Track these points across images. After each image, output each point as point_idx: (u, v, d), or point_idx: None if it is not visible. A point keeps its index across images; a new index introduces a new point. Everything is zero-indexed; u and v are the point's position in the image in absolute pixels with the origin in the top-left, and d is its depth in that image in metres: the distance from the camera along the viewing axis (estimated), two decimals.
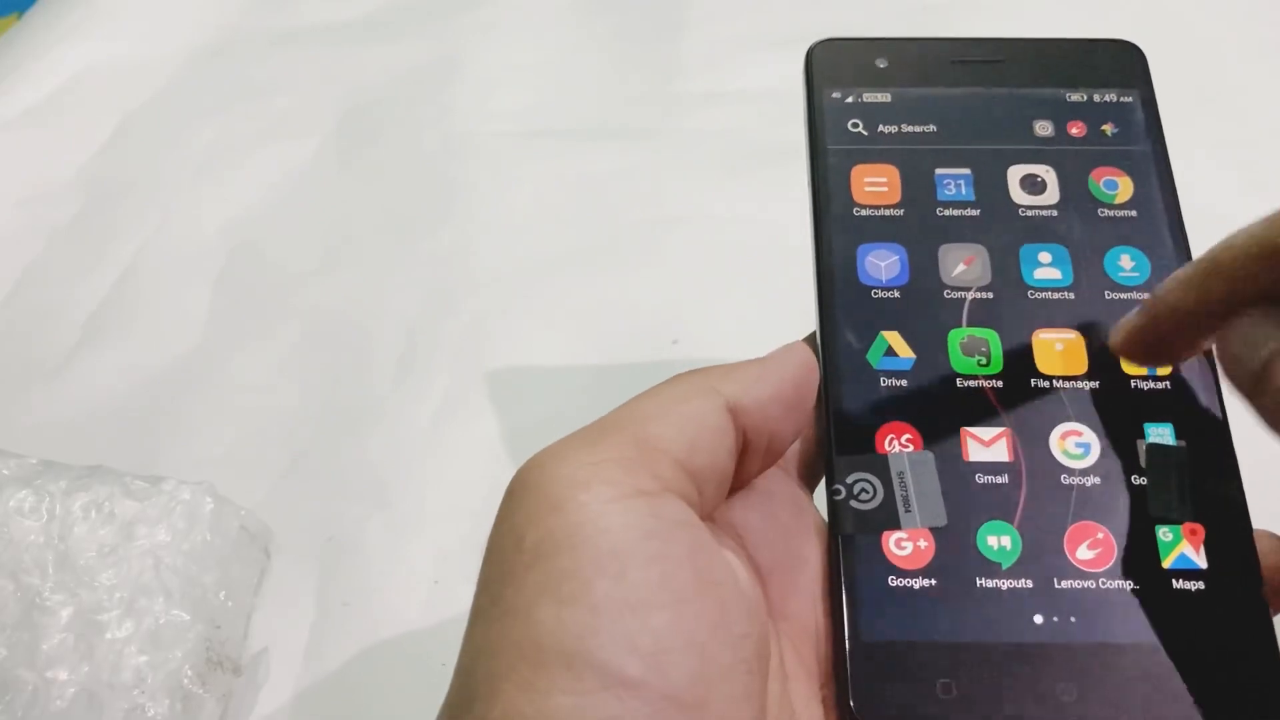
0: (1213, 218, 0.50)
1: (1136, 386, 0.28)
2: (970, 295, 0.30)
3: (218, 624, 0.37)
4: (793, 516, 0.28)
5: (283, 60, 0.63)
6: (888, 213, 0.31)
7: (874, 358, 0.29)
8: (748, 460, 0.27)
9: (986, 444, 0.28)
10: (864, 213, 0.31)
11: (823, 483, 0.28)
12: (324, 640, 0.40)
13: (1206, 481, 0.27)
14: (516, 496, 0.24)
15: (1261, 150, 0.54)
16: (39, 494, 0.37)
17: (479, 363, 0.48)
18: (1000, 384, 0.28)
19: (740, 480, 0.27)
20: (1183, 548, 0.27)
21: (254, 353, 0.49)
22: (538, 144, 0.58)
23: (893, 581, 0.26)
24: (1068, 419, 0.28)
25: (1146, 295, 0.29)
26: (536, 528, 0.23)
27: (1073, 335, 0.29)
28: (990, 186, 0.31)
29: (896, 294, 0.30)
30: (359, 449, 0.45)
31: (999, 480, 0.27)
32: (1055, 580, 0.26)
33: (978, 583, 0.26)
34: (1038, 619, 0.26)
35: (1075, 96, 0.32)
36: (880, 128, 0.32)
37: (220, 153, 0.58)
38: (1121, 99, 0.32)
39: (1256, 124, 0.55)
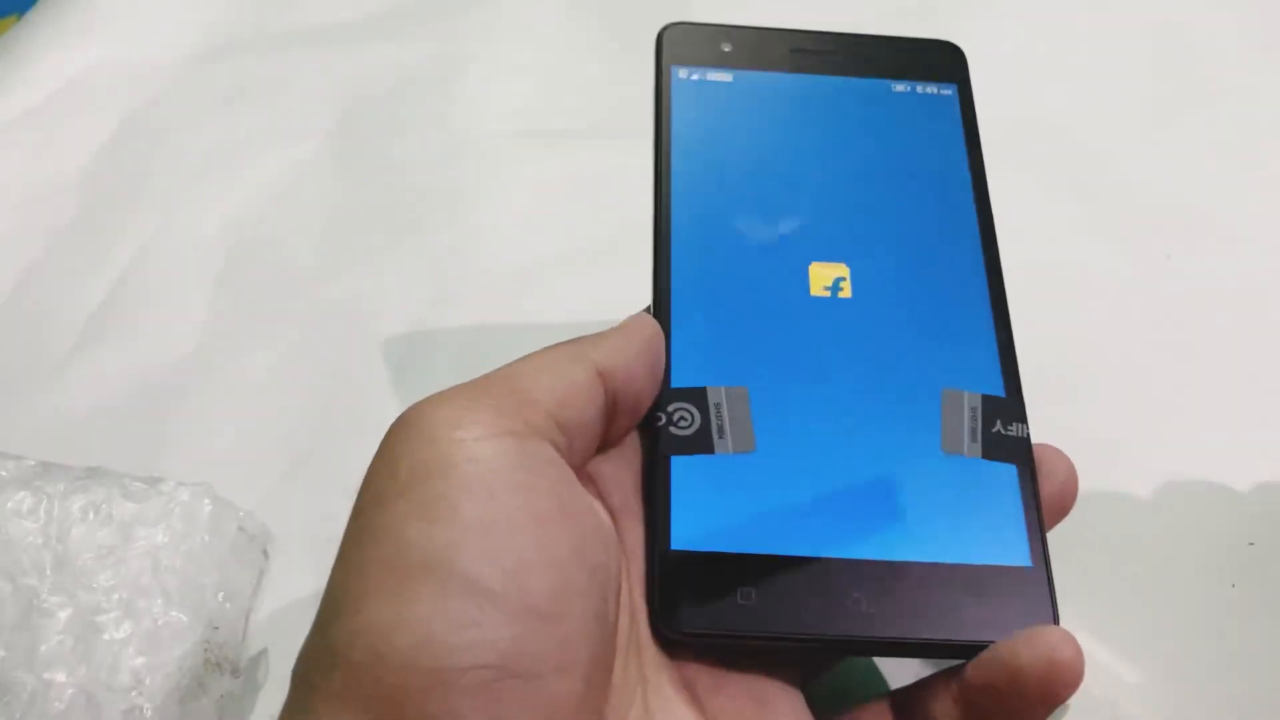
0: (1202, 219, 0.50)
1: (937, 345, 0.31)
2: (800, 252, 0.33)
3: (216, 625, 0.37)
4: (640, 462, 0.30)
5: (283, 61, 0.63)
6: (725, 182, 0.34)
7: (704, 306, 0.32)
8: (618, 420, 0.29)
9: (804, 382, 0.31)
10: (703, 179, 0.34)
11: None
12: None
13: (995, 423, 0.30)
14: (394, 435, 0.26)
15: (1261, 150, 0.54)
16: (37, 495, 0.37)
17: (478, 363, 0.48)
18: (812, 330, 0.31)
19: (611, 439, 0.29)
20: (970, 480, 0.29)
21: (253, 354, 0.49)
22: (538, 144, 0.58)
23: (702, 500, 0.29)
24: (876, 365, 0.31)
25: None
26: (410, 459, 0.25)
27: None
28: (819, 159, 0.34)
29: (728, 250, 0.33)
30: (359, 450, 0.45)
31: (802, 411, 0.30)
32: (851, 504, 0.29)
33: (779, 502, 0.29)
34: (833, 533, 0.28)
35: (900, 87, 0.36)
36: (721, 104, 0.35)
37: (220, 153, 0.58)
38: (942, 91, 0.36)
39: (1251, 124, 0.55)
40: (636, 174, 0.56)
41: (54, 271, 0.53)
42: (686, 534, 0.28)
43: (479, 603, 0.22)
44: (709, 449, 0.29)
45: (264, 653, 0.39)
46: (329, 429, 0.46)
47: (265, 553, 0.41)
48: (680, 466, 0.29)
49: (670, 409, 0.30)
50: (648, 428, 0.30)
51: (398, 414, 0.47)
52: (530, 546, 0.24)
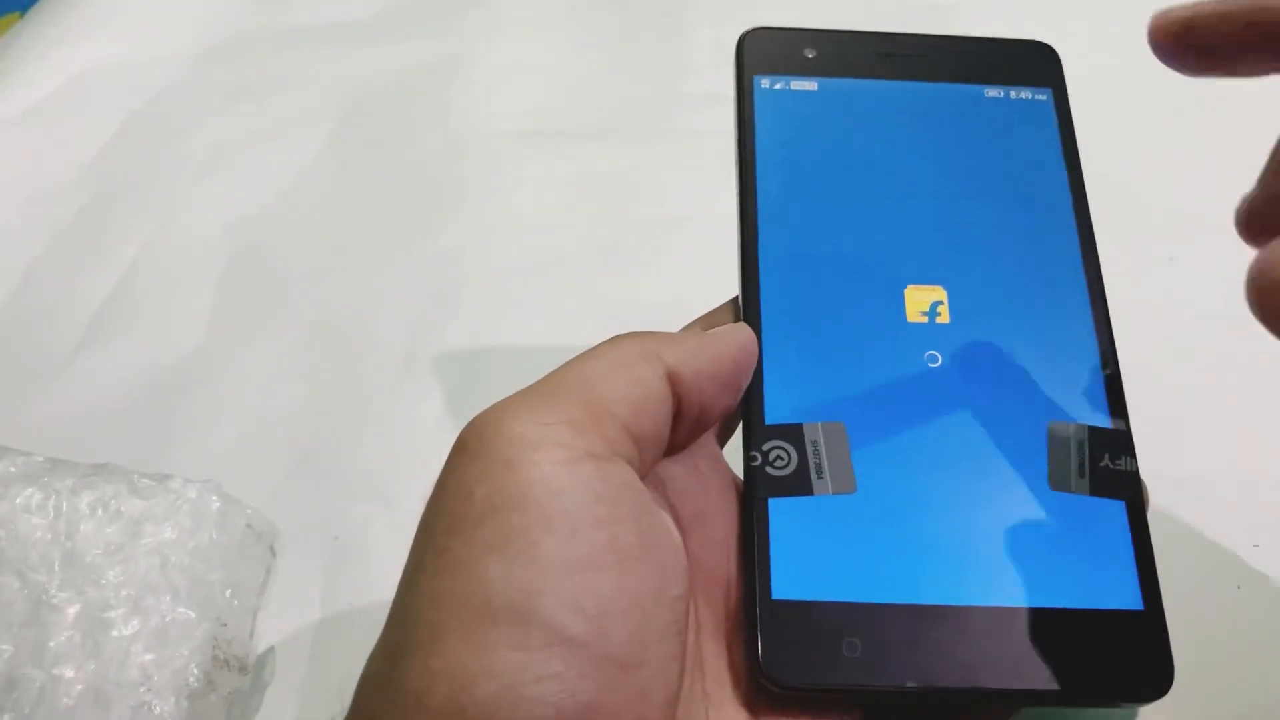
0: (1205, 222, 0.50)
1: (1040, 373, 0.30)
2: (894, 273, 0.31)
3: (224, 622, 0.37)
4: (711, 470, 0.29)
5: (285, 60, 0.63)
6: (814, 200, 0.32)
7: (797, 334, 0.30)
8: (677, 428, 0.27)
9: (903, 415, 0.29)
10: (790, 195, 0.32)
11: (737, 438, 0.30)
12: (329, 640, 0.40)
13: (1103, 458, 0.29)
14: (468, 452, 0.24)
15: (1263, 152, 0.54)
16: (46, 491, 0.37)
17: (482, 362, 0.48)
18: (910, 359, 0.30)
19: (675, 445, 0.28)
20: (1080, 519, 0.28)
21: (258, 352, 0.49)
22: (540, 144, 0.58)
23: (802, 544, 0.27)
24: (977, 395, 0.30)
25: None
26: (486, 483, 0.23)
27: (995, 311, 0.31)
28: (911, 173, 0.33)
29: (819, 271, 0.31)
30: (364, 448, 0.45)
31: (902, 446, 0.29)
32: (957, 546, 0.27)
33: (884, 546, 0.27)
34: (939, 579, 0.27)
35: (992, 92, 0.34)
36: (807, 115, 0.33)
37: (222, 152, 0.59)
38: (1036, 96, 0.34)
39: (1253, 128, 0.56)
40: (639, 174, 0.56)
41: (58, 269, 0.53)
42: (788, 582, 0.27)
43: (560, 652, 0.22)
44: (808, 490, 0.28)
45: (271, 650, 0.39)
46: (335, 426, 0.46)
47: (273, 550, 0.41)
48: (779, 509, 0.28)
49: (765, 448, 0.28)
50: (743, 468, 0.29)
51: (403, 412, 0.47)
52: (612, 589, 0.23)
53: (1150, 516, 0.30)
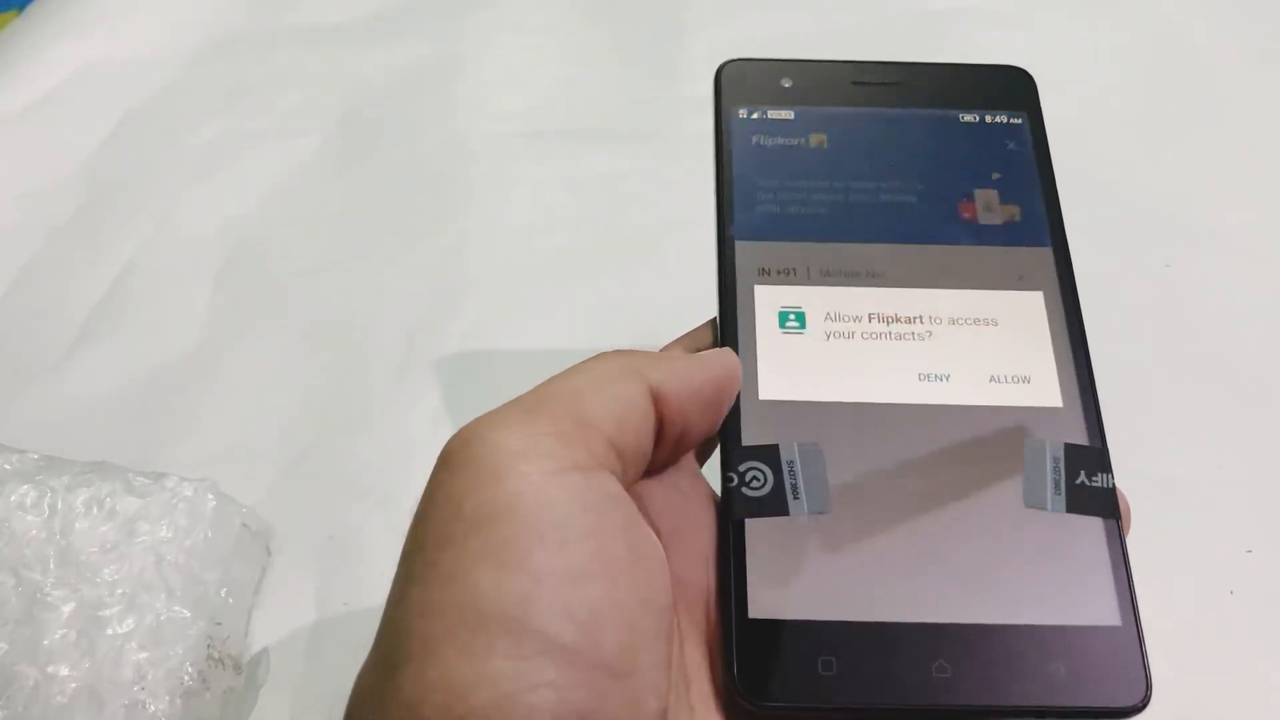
0: (1201, 228, 0.51)
1: (1013, 390, 0.30)
2: (867, 296, 0.31)
3: (219, 621, 0.37)
4: (690, 487, 0.29)
5: (284, 59, 0.63)
6: (791, 227, 0.32)
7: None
8: (659, 447, 0.28)
9: (875, 434, 0.29)
10: (766, 228, 0.32)
11: (715, 455, 0.30)
12: (324, 639, 0.40)
13: (1079, 474, 0.29)
14: (455, 464, 0.24)
15: (1259, 159, 0.54)
16: (41, 489, 0.37)
17: (479, 363, 0.48)
18: (892, 381, 0.30)
19: (655, 465, 0.28)
20: (1055, 535, 0.28)
21: (255, 351, 0.49)
22: (539, 145, 0.58)
23: (778, 564, 0.28)
24: (953, 414, 0.30)
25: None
26: (475, 495, 0.23)
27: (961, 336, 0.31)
28: (887, 198, 0.33)
29: (795, 295, 0.31)
30: (360, 448, 0.45)
31: (884, 469, 0.29)
32: (932, 565, 0.28)
33: (859, 565, 0.28)
34: (914, 597, 0.27)
35: (968, 117, 0.34)
36: (784, 144, 0.34)
37: (221, 151, 0.59)
38: (1011, 120, 0.34)
39: (1249, 134, 0.56)
40: (639, 176, 0.56)
41: (54, 266, 0.53)
42: (764, 601, 0.27)
43: (554, 660, 0.22)
44: (783, 511, 0.28)
45: (266, 649, 0.39)
46: (331, 426, 0.46)
47: (268, 549, 0.41)
48: (755, 530, 0.28)
49: (742, 468, 0.29)
50: (721, 488, 0.29)
51: (399, 413, 0.47)
52: (602, 597, 0.23)
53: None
